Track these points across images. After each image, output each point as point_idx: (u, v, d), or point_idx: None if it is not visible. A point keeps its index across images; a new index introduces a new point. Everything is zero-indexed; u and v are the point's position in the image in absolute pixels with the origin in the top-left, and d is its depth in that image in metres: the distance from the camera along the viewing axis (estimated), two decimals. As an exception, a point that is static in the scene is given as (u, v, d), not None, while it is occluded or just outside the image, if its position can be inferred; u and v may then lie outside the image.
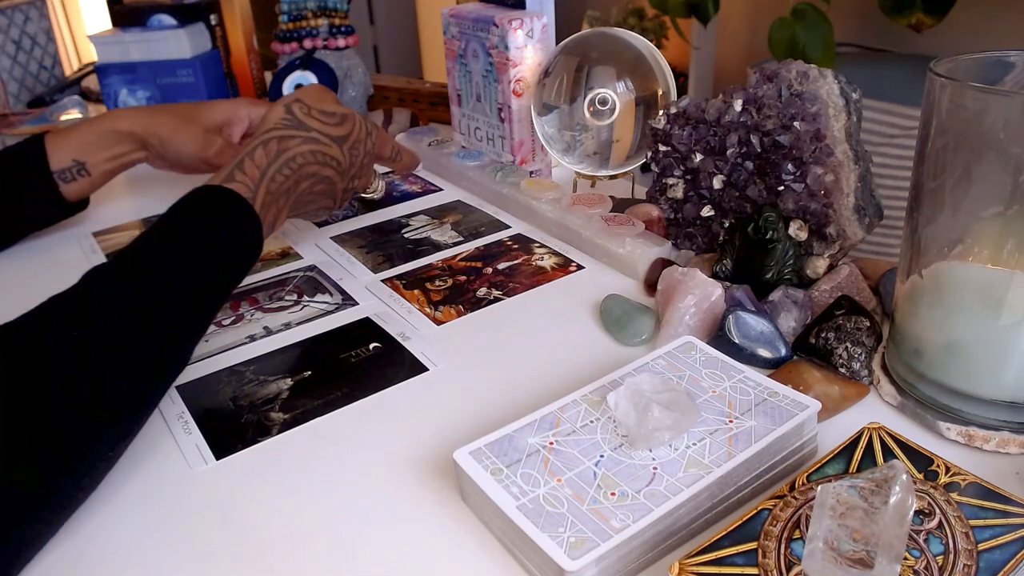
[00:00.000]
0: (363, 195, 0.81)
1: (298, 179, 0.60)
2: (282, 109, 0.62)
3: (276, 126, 0.60)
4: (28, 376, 0.42)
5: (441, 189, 0.89)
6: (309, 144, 0.61)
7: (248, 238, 0.55)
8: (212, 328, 0.62)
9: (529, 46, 0.81)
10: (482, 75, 0.85)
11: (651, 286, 0.63)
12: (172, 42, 1.04)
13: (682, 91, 1.27)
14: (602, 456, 0.42)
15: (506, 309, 0.64)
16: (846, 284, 0.57)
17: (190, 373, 0.57)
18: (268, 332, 0.61)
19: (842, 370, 0.51)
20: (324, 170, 0.62)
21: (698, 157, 0.64)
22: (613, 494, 0.39)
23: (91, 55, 1.21)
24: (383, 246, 0.75)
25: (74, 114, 1.18)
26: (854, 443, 0.42)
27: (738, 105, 0.61)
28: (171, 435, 0.51)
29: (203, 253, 0.52)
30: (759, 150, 0.60)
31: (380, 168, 0.82)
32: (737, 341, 0.53)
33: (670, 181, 0.66)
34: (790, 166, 0.59)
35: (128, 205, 0.90)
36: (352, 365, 0.57)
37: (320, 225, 0.81)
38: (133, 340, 0.46)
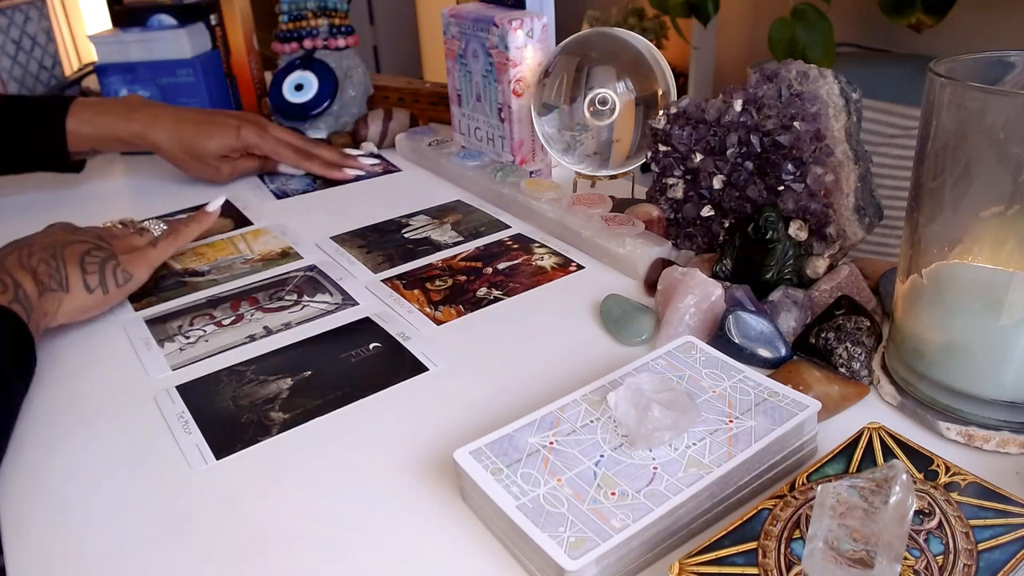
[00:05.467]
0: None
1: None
2: None
3: None
4: None
5: (400, 170, 0.94)
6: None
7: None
8: (212, 328, 0.62)
9: (529, 46, 0.81)
10: (482, 75, 0.85)
11: (651, 286, 0.63)
12: (172, 42, 1.04)
13: (682, 91, 1.27)
14: (602, 456, 0.42)
15: (506, 309, 0.64)
16: (846, 284, 0.57)
17: (190, 373, 0.57)
18: (268, 332, 0.62)
19: (842, 370, 0.51)
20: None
21: (698, 157, 0.64)
22: (613, 494, 0.39)
23: (91, 55, 1.21)
24: (383, 246, 0.75)
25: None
26: (854, 443, 0.42)
27: (738, 105, 0.61)
28: (171, 435, 0.51)
29: None
30: (759, 150, 0.60)
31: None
32: (737, 341, 0.53)
33: (670, 181, 0.66)
34: (790, 166, 0.59)
35: (125, 203, 0.90)
36: (352, 365, 0.57)
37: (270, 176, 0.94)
38: None
